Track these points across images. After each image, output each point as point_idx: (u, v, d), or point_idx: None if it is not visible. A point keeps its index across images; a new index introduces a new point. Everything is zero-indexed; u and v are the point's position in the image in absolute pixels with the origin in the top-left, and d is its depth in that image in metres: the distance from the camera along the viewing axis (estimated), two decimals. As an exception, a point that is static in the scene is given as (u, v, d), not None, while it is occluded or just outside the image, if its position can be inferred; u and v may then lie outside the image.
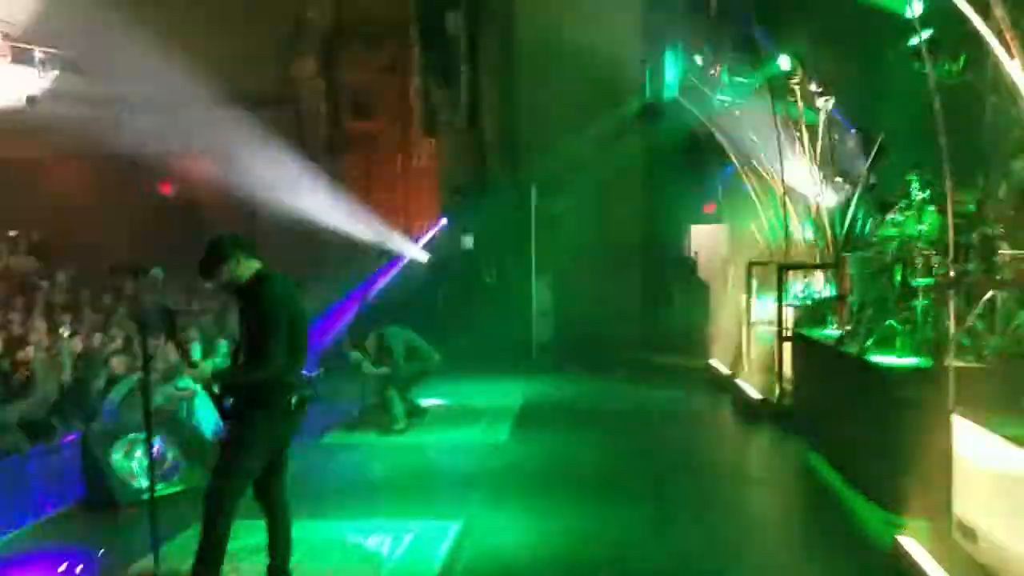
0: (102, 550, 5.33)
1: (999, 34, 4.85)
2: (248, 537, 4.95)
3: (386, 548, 5.39)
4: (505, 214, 14.38)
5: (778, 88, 10.06)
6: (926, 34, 6.00)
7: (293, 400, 4.51)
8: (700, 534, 5.65)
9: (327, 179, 13.41)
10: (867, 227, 7.87)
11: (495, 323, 11.89)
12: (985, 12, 4.94)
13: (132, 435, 6.63)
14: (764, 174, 11.06)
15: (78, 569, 5.06)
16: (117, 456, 6.57)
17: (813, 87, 9.34)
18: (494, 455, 8.03)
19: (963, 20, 5.07)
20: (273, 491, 4.64)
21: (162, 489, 6.40)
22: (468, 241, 14.93)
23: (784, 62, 9.46)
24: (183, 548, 5.35)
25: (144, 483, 5.89)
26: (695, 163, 13.72)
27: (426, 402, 10.08)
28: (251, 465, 4.48)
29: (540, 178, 14.36)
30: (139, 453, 6.56)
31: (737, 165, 12.21)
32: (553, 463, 7.75)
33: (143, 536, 4.79)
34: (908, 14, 7.06)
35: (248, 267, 4.56)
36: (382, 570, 5.10)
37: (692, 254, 15.40)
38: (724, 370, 11.66)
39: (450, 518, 5.94)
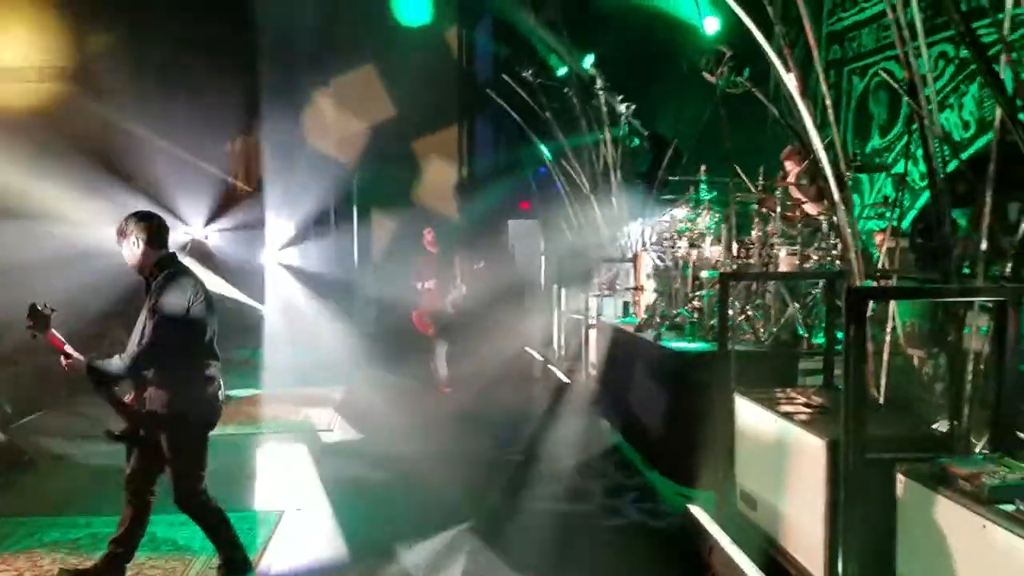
0: None
1: (779, 50, 5.30)
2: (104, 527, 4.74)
3: (198, 541, 5.18)
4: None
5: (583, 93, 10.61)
6: (714, 50, 6.55)
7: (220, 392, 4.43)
8: (497, 510, 5.91)
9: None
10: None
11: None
12: (769, 30, 5.38)
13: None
14: (573, 174, 11.56)
15: None
16: None
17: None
18: (318, 442, 8.10)
19: (751, 35, 5.53)
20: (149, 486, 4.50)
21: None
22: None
23: (589, 62, 9.98)
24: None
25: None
26: (512, 161, 14.10)
27: (243, 392, 9.91)
28: (203, 454, 4.40)
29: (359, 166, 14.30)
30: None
31: (549, 166, 12.71)
32: (372, 445, 8.03)
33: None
34: (705, 30, 7.76)
35: (150, 254, 4.27)
36: (194, 563, 5.00)
37: (509, 246, 15.79)
38: (537, 356, 12.16)
39: (272, 507, 5.93)
